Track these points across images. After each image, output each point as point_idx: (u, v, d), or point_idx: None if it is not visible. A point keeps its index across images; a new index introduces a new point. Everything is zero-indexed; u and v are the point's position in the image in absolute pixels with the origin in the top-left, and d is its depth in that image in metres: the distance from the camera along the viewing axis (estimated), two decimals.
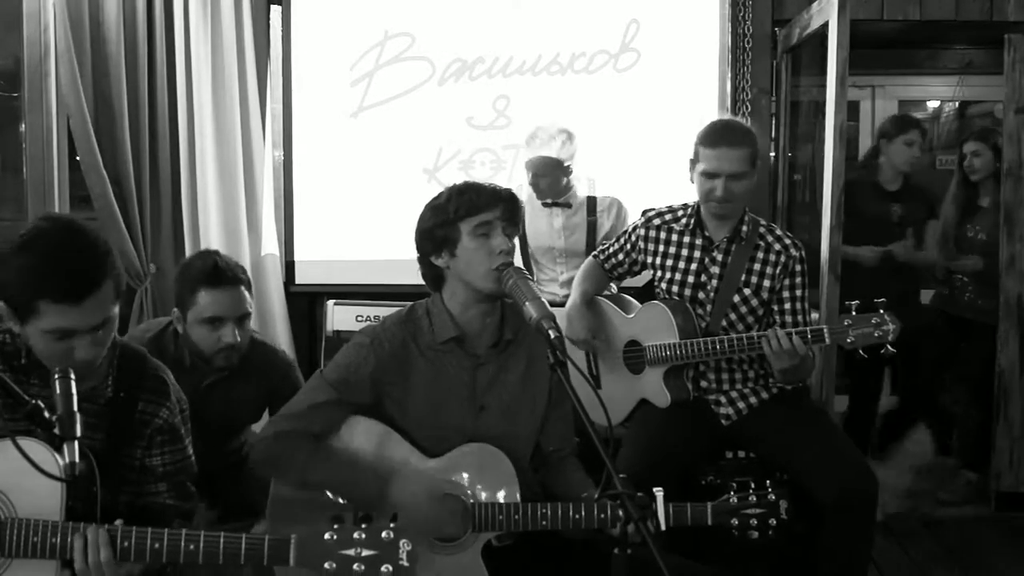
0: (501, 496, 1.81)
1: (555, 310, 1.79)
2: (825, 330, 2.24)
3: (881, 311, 2.21)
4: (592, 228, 3.14)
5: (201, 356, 2.32)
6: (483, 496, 1.81)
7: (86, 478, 1.49)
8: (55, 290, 1.52)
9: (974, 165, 3.73)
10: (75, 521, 1.51)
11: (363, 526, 1.43)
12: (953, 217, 3.80)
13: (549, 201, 3.12)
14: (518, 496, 1.81)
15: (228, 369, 2.34)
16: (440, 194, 1.92)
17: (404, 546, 1.42)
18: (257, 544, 1.47)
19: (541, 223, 3.15)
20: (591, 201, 3.15)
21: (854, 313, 2.22)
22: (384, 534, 1.42)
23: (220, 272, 2.27)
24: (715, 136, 2.42)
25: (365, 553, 1.42)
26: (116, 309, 1.62)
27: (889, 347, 2.20)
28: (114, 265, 1.60)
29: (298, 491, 1.87)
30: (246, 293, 2.32)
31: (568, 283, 3.15)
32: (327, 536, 1.43)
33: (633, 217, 2.82)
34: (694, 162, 2.47)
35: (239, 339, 2.28)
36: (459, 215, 1.85)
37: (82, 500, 1.54)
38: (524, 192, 3.14)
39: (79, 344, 1.57)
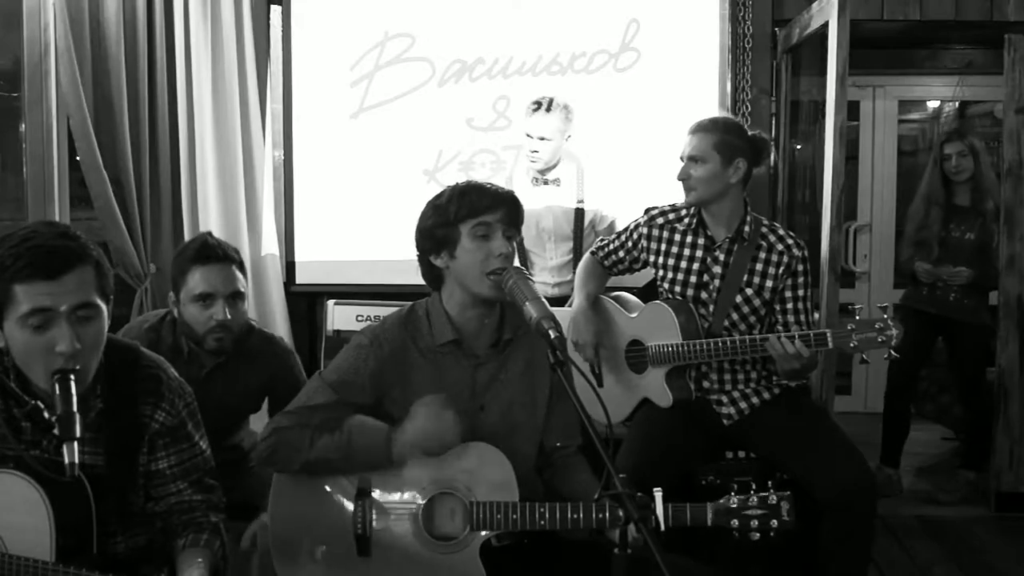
0: (499, 496, 1.81)
1: (555, 310, 1.79)
2: (828, 334, 2.23)
3: (885, 316, 2.19)
4: (580, 218, 3.18)
5: (195, 339, 2.31)
6: (481, 495, 1.81)
7: (79, 509, 1.47)
8: (27, 267, 1.46)
9: (961, 165, 3.69)
10: (67, 556, 1.48)
11: None
12: (939, 218, 3.73)
13: (538, 178, 3.14)
14: (516, 496, 1.80)
15: (223, 353, 2.33)
16: (442, 193, 1.91)
17: None
18: None
19: (528, 203, 3.19)
20: (579, 214, 3.19)
21: (857, 317, 2.21)
22: None
23: (210, 249, 2.28)
24: (691, 127, 2.50)
25: None
26: (101, 302, 1.54)
27: (893, 352, 2.19)
28: (95, 255, 1.54)
29: (300, 483, 1.87)
30: (238, 272, 2.31)
31: (559, 269, 3.23)
32: None
33: (626, 217, 2.82)
34: None
35: (229, 317, 2.27)
36: (460, 216, 1.85)
37: (73, 534, 1.52)
38: (515, 178, 3.21)
39: (59, 334, 1.48)
